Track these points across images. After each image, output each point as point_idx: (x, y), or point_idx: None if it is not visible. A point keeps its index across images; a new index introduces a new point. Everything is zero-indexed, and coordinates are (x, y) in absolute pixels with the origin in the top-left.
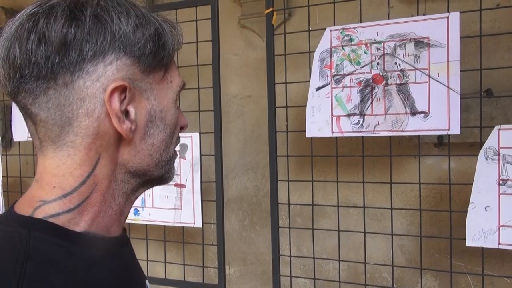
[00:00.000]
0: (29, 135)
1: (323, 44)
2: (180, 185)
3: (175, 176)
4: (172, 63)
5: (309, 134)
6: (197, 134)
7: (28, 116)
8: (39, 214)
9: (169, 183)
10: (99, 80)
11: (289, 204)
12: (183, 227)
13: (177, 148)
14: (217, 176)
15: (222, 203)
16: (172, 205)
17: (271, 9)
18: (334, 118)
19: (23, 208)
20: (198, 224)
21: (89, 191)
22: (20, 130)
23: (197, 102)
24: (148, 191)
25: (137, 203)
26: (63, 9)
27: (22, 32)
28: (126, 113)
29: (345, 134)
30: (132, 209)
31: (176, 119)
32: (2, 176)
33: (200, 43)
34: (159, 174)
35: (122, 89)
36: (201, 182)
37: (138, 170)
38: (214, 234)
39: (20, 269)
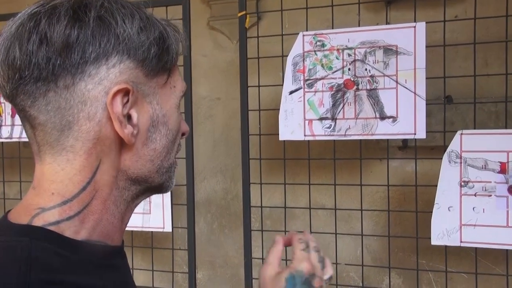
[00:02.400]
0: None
1: (296, 48)
2: None
3: None
4: (175, 68)
5: (282, 137)
6: None
7: (27, 119)
8: (37, 222)
9: None
10: (102, 83)
11: (261, 207)
12: (152, 231)
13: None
14: (188, 179)
15: (193, 206)
16: (140, 210)
17: (244, 12)
18: (307, 122)
19: (19, 216)
20: (168, 228)
21: (89, 197)
22: None
23: None
24: None
25: None
26: (66, 10)
27: (23, 32)
28: (129, 117)
29: (317, 138)
30: None
31: (179, 124)
32: None
33: None
34: (160, 181)
35: (124, 93)
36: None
37: (139, 176)
38: (182, 238)
39: (24, 282)
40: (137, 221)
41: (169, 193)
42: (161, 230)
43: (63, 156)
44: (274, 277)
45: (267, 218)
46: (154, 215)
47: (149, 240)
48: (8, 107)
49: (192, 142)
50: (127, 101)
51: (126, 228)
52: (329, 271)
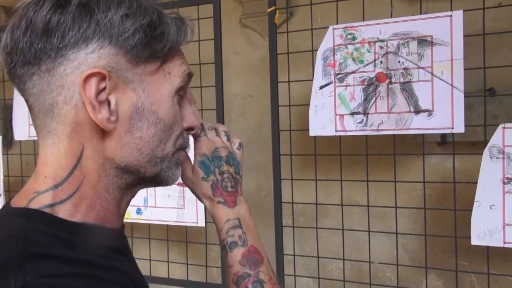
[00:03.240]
0: (30, 134)
1: (326, 42)
2: (183, 184)
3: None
4: (174, 56)
5: (312, 132)
6: None
7: (26, 103)
8: (34, 205)
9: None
10: (80, 68)
11: (292, 203)
12: (186, 226)
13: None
14: None
15: None
16: (175, 204)
17: (273, 8)
18: (338, 117)
19: (19, 201)
20: (201, 223)
21: (78, 182)
22: (21, 129)
23: (200, 101)
24: (151, 190)
25: (140, 202)
26: None
27: (15, 21)
28: (109, 103)
29: (349, 133)
30: (134, 208)
31: (174, 114)
32: (3, 176)
33: (203, 42)
34: (154, 172)
35: (101, 78)
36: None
37: (128, 165)
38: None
39: (20, 264)
40: (171, 216)
41: None
42: (194, 224)
43: (49, 139)
44: (192, 176)
45: (300, 215)
46: (188, 210)
47: (185, 235)
48: None
49: None
50: (105, 86)
51: (162, 222)
52: (236, 141)
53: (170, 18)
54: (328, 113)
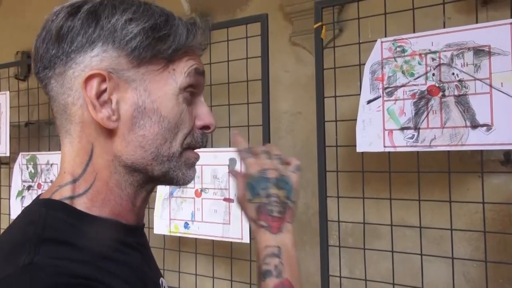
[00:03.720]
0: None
1: (374, 56)
2: (229, 200)
3: (224, 191)
4: (183, 57)
5: (359, 148)
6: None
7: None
8: (55, 197)
9: (217, 197)
10: (85, 70)
11: (339, 221)
12: (231, 242)
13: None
14: None
15: None
16: (221, 220)
17: (320, 23)
18: (386, 132)
19: (46, 194)
20: (246, 239)
21: (91, 178)
22: None
23: (247, 117)
24: (198, 205)
25: (187, 216)
26: (69, 6)
27: (40, 31)
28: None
29: (398, 149)
30: (182, 223)
31: (179, 113)
32: None
33: (252, 60)
34: (162, 170)
35: (102, 79)
36: None
37: (135, 163)
38: None
39: (35, 246)
40: (217, 231)
41: None
42: (239, 241)
43: (66, 139)
44: (242, 196)
45: (349, 235)
46: (233, 225)
47: (230, 251)
48: None
49: None
50: (106, 87)
51: (208, 237)
52: (294, 162)
53: (184, 22)
54: (376, 128)
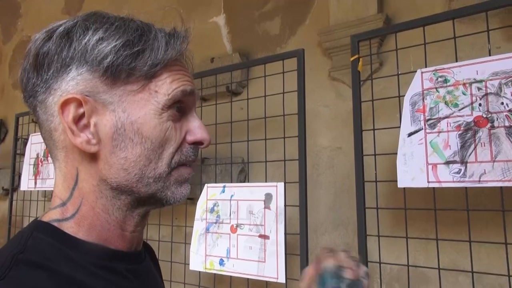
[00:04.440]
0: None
1: (414, 87)
2: (264, 236)
3: (259, 227)
4: (163, 73)
5: (401, 184)
6: (282, 184)
7: None
8: (45, 219)
9: (252, 233)
10: (62, 95)
11: (380, 263)
12: (266, 281)
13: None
14: (301, 228)
15: (307, 257)
16: (256, 257)
17: (356, 56)
18: (430, 166)
19: (40, 217)
20: (282, 279)
21: (78, 203)
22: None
23: (283, 152)
24: (233, 241)
25: (223, 252)
26: (46, 31)
27: (23, 60)
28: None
29: (444, 184)
30: (217, 259)
31: (163, 131)
32: None
33: (290, 95)
34: (149, 191)
35: (78, 103)
36: (285, 234)
37: (120, 185)
38: None
39: (10, 260)
40: (252, 269)
41: (283, 242)
42: (274, 280)
43: (56, 163)
44: (306, 285)
45: (395, 280)
46: (268, 264)
47: None
48: None
49: (305, 189)
50: (83, 111)
51: (242, 275)
52: (363, 268)
53: (163, 34)
54: (419, 162)
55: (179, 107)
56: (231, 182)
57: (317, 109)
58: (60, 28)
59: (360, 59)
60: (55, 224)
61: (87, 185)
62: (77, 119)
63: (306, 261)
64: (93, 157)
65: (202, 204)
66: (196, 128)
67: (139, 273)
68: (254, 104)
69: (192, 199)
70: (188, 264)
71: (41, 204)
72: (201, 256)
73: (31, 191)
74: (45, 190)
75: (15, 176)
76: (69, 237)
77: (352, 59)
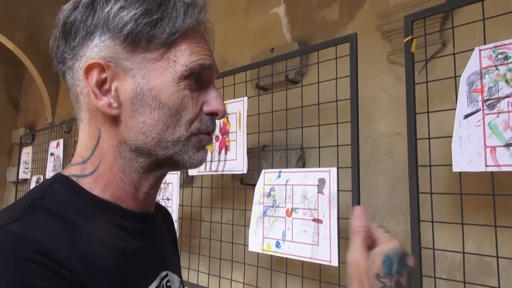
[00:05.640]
0: (199, 170)
1: (471, 66)
2: (318, 220)
3: (313, 211)
4: (182, 43)
5: (456, 168)
6: (335, 169)
7: None
8: (65, 173)
9: (307, 217)
10: (87, 61)
11: (434, 249)
12: (320, 264)
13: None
14: None
15: None
16: (309, 240)
17: (409, 37)
18: (489, 149)
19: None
20: (335, 263)
21: (97, 162)
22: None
23: (336, 137)
24: (289, 225)
25: (279, 235)
26: (72, 2)
27: (53, 29)
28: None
29: (503, 168)
30: (274, 241)
31: (180, 99)
32: (180, 205)
33: (344, 80)
34: (166, 154)
35: (101, 68)
36: (338, 218)
37: (139, 147)
38: None
39: (29, 204)
40: (306, 252)
41: (336, 226)
42: (327, 263)
43: (80, 125)
44: (364, 261)
45: (456, 269)
46: (322, 247)
47: (319, 273)
48: (216, 145)
49: (358, 175)
50: (106, 76)
51: (297, 258)
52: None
53: (181, 4)
54: (476, 145)
55: (196, 78)
56: (287, 168)
57: (375, 94)
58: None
59: (414, 40)
60: (74, 178)
61: (108, 145)
62: (100, 83)
63: None
64: (114, 120)
65: (259, 188)
66: (212, 99)
67: (148, 234)
68: (313, 91)
69: (253, 185)
70: (248, 245)
71: None
72: (259, 238)
73: None
74: None
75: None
76: (85, 192)
77: (405, 40)
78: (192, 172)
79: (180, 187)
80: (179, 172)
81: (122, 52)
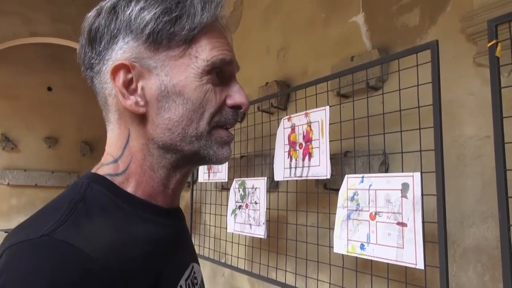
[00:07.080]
0: (285, 175)
1: None
2: (402, 224)
3: (397, 215)
4: (202, 39)
5: None
6: (418, 174)
7: None
8: (99, 172)
9: (391, 221)
10: (113, 64)
11: None
12: (405, 267)
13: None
14: (438, 217)
15: (445, 245)
16: (394, 243)
17: (494, 41)
18: None
19: (94, 169)
20: (420, 265)
21: (128, 161)
22: (279, 171)
23: (419, 143)
24: (373, 228)
25: (363, 238)
26: (96, 9)
27: (80, 37)
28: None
29: None
30: (358, 244)
31: (203, 93)
32: (267, 208)
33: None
34: (192, 149)
35: (127, 69)
36: (423, 222)
37: (165, 144)
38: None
39: (72, 206)
40: (391, 254)
41: (421, 230)
42: (413, 266)
43: (109, 126)
44: None
45: None
46: (406, 250)
47: (405, 275)
48: (299, 152)
49: (443, 179)
50: (132, 76)
51: (382, 260)
52: None
53: (198, 1)
54: None
55: (218, 72)
56: (370, 173)
57: (461, 98)
58: (108, 4)
59: (499, 44)
60: (108, 177)
61: (137, 144)
62: (127, 83)
63: (444, 250)
64: (142, 119)
65: (343, 193)
66: (235, 93)
67: (177, 228)
68: (395, 98)
69: (336, 190)
70: (333, 247)
71: (214, 193)
72: (344, 240)
73: (206, 182)
74: (216, 182)
75: (194, 170)
76: (121, 190)
77: (489, 45)
78: (277, 177)
79: (266, 191)
80: (265, 178)
81: (145, 52)
